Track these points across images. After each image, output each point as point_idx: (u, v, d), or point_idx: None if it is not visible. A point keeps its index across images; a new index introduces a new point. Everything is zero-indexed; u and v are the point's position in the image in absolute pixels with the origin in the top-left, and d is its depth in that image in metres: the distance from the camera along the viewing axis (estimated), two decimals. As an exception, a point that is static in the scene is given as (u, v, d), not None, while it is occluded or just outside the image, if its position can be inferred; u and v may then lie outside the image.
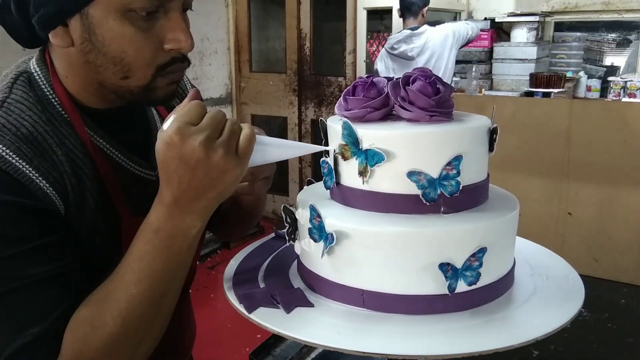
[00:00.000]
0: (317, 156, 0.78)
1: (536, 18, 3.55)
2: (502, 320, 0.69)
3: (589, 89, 3.37)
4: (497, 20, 3.70)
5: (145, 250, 0.66)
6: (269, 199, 4.62)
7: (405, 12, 3.39)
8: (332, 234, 0.70)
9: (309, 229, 0.73)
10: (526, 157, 3.02)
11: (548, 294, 0.75)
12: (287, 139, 4.55)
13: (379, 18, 4.07)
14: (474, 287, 0.69)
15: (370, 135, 0.70)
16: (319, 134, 0.79)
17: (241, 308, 0.73)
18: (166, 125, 0.63)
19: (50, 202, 0.68)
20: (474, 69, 3.30)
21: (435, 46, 3.27)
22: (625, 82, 3.13)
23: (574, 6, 3.76)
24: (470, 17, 4.04)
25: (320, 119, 0.79)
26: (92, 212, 0.73)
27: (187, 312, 0.98)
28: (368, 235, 0.68)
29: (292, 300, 0.73)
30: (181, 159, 0.62)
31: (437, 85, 0.72)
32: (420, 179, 0.69)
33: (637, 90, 3.07)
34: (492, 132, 0.74)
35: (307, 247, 0.74)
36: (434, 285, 0.68)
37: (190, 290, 0.99)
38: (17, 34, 0.73)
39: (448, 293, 0.68)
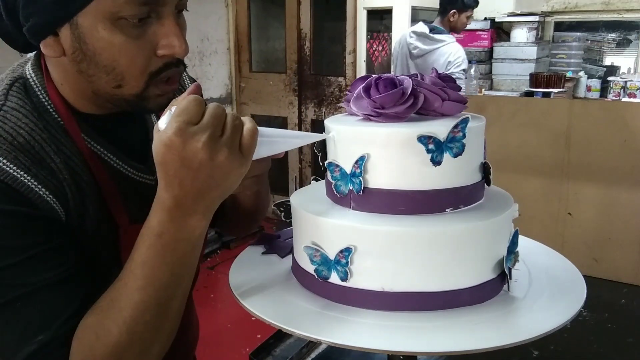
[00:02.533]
0: (317, 156, 0.79)
1: (536, 18, 3.55)
2: (501, 319, 0.69)
3: (589, 89, 3.38)
4: (497, 20, 3.70)
5: (148, 256, 0.63)
6: (269, 199, 4.63)
7: (440, 7, 3.38)
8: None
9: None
10: (526, 157, 3.01)
11: (549, 293, 0.75)
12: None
13: (379, 18, 4.06)
14: (346, 283, 0.71)
15: (327, 126, 0.77)
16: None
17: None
18: (163, 123, 0.59)
19: (51, 210, 0.67)
20: (473, 69, 3.30)
21: (433, 64, 3.22)
22: (625, 82, 3.14)
23: (574, 6, 3.76)
24: (470, 17, 4.04)
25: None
26: (92, 220, 0.72)
27: (190, 312, 0.99)
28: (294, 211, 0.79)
29: (275, 248, 0.87)
30: (183, 161, 0.59)
31: (396, 88, 0.72)
32: (336, 171, 0.74)
33: (637, 90, 3.07)
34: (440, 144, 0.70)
35: None
36: (312, 268, 0.74)
37: (192, 290, 0.99)
38: (12, 40, 0.72)
39: (317, 277, 0.73)
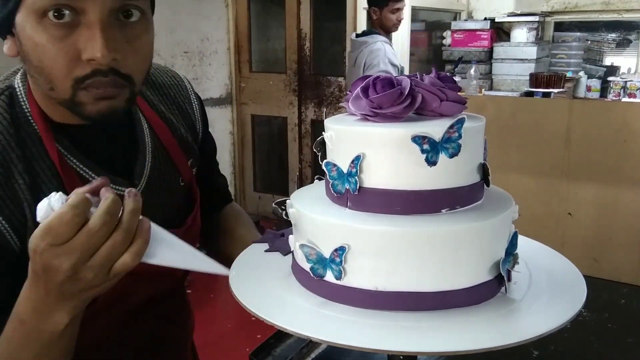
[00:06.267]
0: (317, 156, 0.79)
1: (536, 18, 3.55)
2: (501, 319, 0.69)
3: (589, 89, 3.38)
4: (497, 20, 3.71)
5: (12, 337, 0.65)
6: (269, 199, 4.63)
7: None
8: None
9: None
10: (526, 157, 3.02)
11: (549, 293, 0.75)
12: (287, 139, 4.53)
13: (379, 18, 4.06)
14: (340, 282, 0.71)
15: (326, 126, 0.77)
16: (318, 134, 0.80)
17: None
18: (39, 215, 0.57)
19: (2, 239, 0.68)
20: (473, 69, 3.30)
21: (360, 68, 3.10)
22: (625, 82, 3.14)
23: (574, 6, 3.76)
24: (470, 17, 4.04)
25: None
26: None
27: (181, 304, 1.04)
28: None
29: (278, 246, 0.87)
30: (46, 272, 0.57)
31: (393, 88, 0.72)
32: (333, 170, 0.74)
33: (637, 90, 3.07)
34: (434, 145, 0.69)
35: None
36: (308, 266, 0.74)
37: (186, 283, 1.08)
38: None
39: (312, 275, 0.72)
